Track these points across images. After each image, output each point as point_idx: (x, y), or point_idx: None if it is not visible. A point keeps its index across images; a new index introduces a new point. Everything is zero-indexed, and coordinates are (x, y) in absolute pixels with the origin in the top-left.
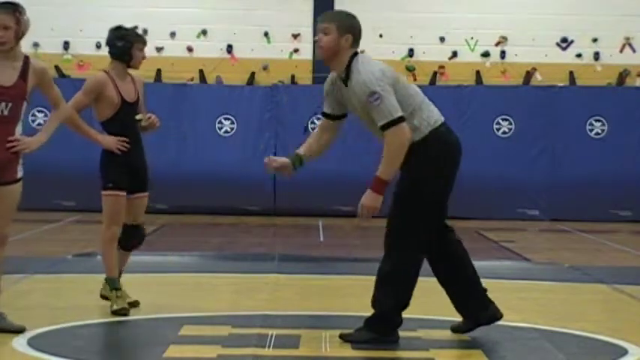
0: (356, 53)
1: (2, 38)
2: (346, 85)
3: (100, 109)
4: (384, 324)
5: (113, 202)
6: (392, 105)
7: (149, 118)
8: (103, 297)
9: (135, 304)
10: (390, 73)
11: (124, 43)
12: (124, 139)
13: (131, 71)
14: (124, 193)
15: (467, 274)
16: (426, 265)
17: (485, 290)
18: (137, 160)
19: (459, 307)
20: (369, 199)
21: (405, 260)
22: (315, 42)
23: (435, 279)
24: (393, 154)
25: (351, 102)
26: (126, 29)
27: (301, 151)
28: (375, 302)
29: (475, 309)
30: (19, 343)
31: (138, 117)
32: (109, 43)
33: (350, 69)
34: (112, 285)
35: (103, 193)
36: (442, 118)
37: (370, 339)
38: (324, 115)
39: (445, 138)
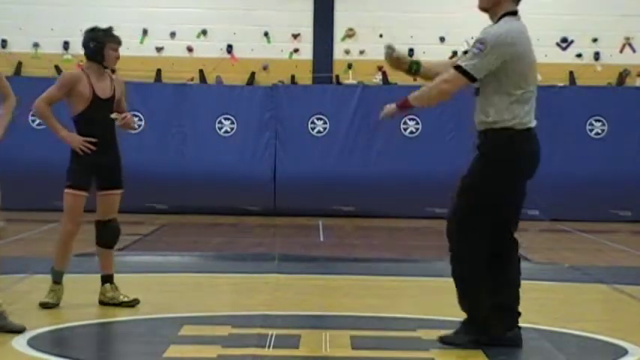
0: (514, 13)
1: None
2: None
3: (72, 104)
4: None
5: (71, 200)
6: (481, 65)
7: (124, 117)
8: (102, 302)
9: (133, 303)
10: (519, 47)
11: (96, 44)
12: (90, 139)
13: (115, 73)
14: (83, 193)
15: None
16: (425, 266)
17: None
18: (107, 158)
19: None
20: (389, 107)
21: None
22: None
23: (434, 279)
24: (433, 92)
25: None
26: (99, 30)
27: (423, 62)
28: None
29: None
30: (19, 343)
31: (113, 116)
32: (83, 44)
33: (498, 22)
34: (54, 277)
35: (65, 190)
36: (533, 124)
37: (466, 342)
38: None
39: (523, 143)
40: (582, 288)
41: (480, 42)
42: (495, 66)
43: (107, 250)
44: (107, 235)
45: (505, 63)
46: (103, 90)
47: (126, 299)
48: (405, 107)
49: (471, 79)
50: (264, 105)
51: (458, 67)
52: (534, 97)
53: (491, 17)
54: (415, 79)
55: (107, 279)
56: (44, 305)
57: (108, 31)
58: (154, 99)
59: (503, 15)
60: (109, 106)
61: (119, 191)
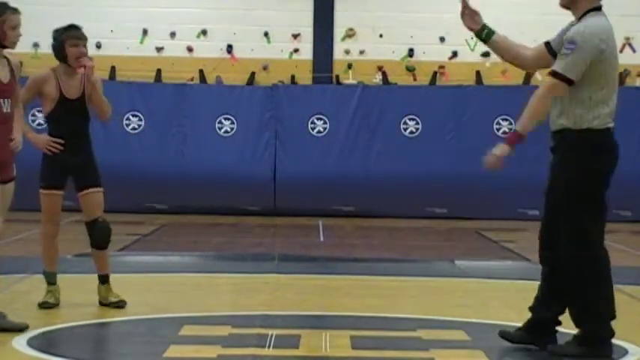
0: (598, 8)
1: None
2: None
3: (43, 104)
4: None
5: (46, 201)
6: (575, 65)
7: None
8: (103, 304)
9: (121, 305)
10: (609, 48)
11: (55, 43)
12: (57, 140)
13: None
14: (57, 192)
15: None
16: (425, 266)
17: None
18: (79, 158)
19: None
20: (499, 148)
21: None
22: None
23: (434, 279)
24: (536, 103)
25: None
26: (59, 29)
27: (497, 34)
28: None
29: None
30: (19, 343)
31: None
32: (52, 44)
33: (581, 20)
34: (47, 279)
35: (39, 192)
36: (612, 124)
37: (578, 354)
38: (546, 43)
39: (601, 142)
40: None
41: (570, 42)
42: (587, 64)
43: (100, 252)
44: (97, 236)
45: (592, 62)
46: (71, 90)
47: (113, 299)
48: (518, 139)
49: (569, 81)
50: (264, 105)
51: (555, 74)
52: (614, 97)
53: (574, 14)
54: (415, 79)
55: (101, 278)
56: (43, 305)
57: (68, 28)
58: (154, 99)
59: (588, 11)
60: (79, 105)
61: (97, 189)
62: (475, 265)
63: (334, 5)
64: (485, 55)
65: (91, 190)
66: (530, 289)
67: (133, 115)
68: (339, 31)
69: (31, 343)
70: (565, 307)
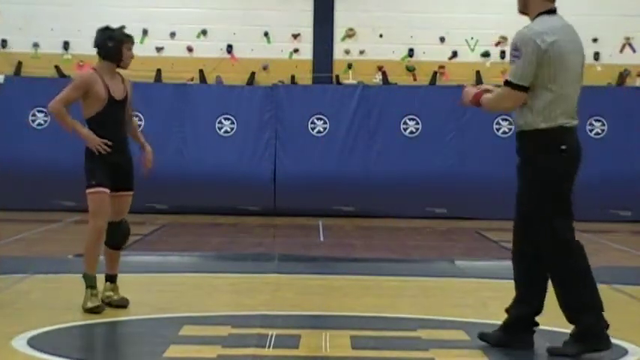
0: (551, 11)
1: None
2: None
3: (87, 105)
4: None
5: (97, 199)
6: (525, 71)
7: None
8: (106, 303)
9: (123, 304)
10: (554, 49)
11: (114, 44)
12: (107, 141)
13: (121, 71)
14: (108, 191)
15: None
16: (425, 266)
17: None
18: (120, 159)
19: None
20: (469, 90)
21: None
22: None
23: (434, 279)
24: (494, 105)
25: None
26: (115, 29)
27: None
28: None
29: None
30: (19, 343)
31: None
32: (98, 44)
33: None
34: (88, 282)
35: (88, 191)
36: (574, 124)
37: (578, 352)
38: None
39: (553, 141)
40: None
41: (514, 49)
42: (535, 66)
43: (115, 252)
44: (118, 236)
45: (539, 63)
46: (117, 91)
47: (116, 297)
48: (477, 101)
49: (522, 89)
50: (264, 105)
51: (508, 83)
52: (571, 97)
53: (530, 19)
54: (415, 79)
55: (110, 278)
56: (92, 310)
57: (123, 30)
58: (154, 99)
59: (540, 14)
60: (123, 107)
61: (131, 193)
62: (475, 265)
63: (334, 5)
64: (485, 55)
65: (126, 192)
66: None
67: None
68: (339, 31)
69: (31, 343)
70: (543, 304)
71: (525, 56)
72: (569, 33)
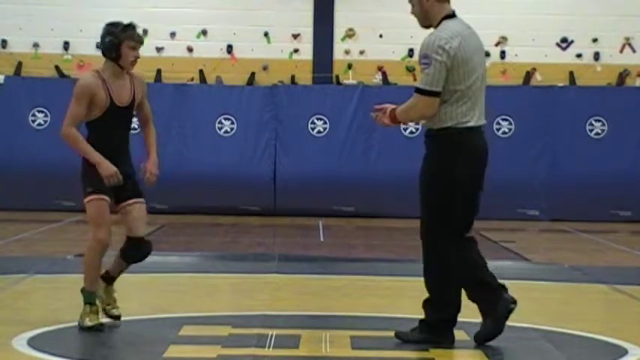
0: (450, 16)
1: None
2: None
3: (88, 109)
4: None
5: (96, 207)
6: (435, 77)
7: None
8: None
9: (117, 317)
10: (460, 52)
11: (112, 39)
12: (120, 176)
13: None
14: (107, 198)
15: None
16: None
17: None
18: (122, 168)
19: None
20: (387, 108)
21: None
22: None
23: None
24: (409, 114)
25: None
26: (117, 24)
27: None
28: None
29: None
30: (19, 343)
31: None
32: (100, 38)
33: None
34: (87, 299)
35: (85, 200)
36: (479, 123)
37: (422, 340)
38: None
39: (464, 141)
40: (582, 288)
41: (423, 56)
42: (446, 71)
43: (127, 264)
44: (137, 257)
45: (448, 68)
46: (121, 96)
47: (115, 311)
48: (394, 119)
49: (436, 94)
50: (264, 105)
51: (420, 91)
52: (476, 96)
53: (434, 27)
54: (415, 79)
55: (108, 280)
56: (92, 328)
57: (128, 27)
58: (154, 99)
59: (442, 20)
60: (127, 112)
61: (142, 200)
62: None
63: (334, 5)
64: (485, 55)
65: (136, 200)
66: (530, 288)
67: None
68: (339, 32)
69: (31, 343)
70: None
71: (435, 63)
72: (471, 35)
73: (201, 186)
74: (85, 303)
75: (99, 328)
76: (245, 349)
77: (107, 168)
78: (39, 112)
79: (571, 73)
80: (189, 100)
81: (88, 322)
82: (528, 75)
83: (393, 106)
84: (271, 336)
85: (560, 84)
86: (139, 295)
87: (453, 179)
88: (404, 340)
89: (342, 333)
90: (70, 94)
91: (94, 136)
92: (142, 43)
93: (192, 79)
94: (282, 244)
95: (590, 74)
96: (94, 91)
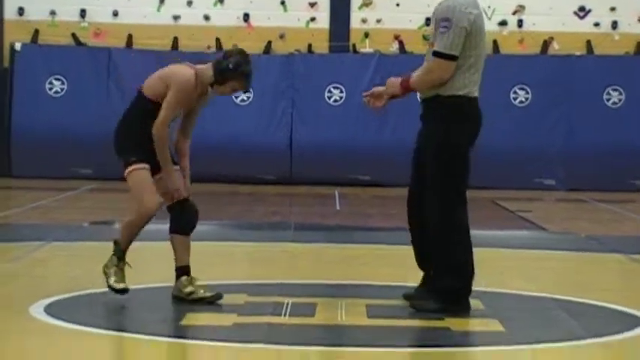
0: None
1: None
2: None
3: (162, 93)
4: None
5: (142, 175)
6: (455, 41)
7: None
8: (176, 298)
9: (214, 299)
10: (478, 19)
11: (230, 69)
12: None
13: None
14: (149, 167)
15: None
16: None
17: None
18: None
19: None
20: (393, 81)
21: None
22: None
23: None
24: (425, 80)
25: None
26: (247, 59)
27: None
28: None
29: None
30: (37, 310)
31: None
32: (224, 56)
33: None
34: (118, 253)
35: (129, 169)
36: (475, 94)
37: (438, 309)
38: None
39: (464, 109)
40: (598, 258)
41: (444, 19)
42: (464, 36)
43: (182, 237)
44: (182, 219)
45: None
46: (196, 107)
47: (207, 294)
48: (407, 86)
49: (454, 58)
50: (280, 74)
51: (439, 54)
52: (478, 66)
53: None
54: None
55: (183, 271)
56: (117, 291)
57: (249, 74)
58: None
59: None
60: (189, 115)
61: (177, 167)
62: (491, 234)
63: None
64: (503, 24)
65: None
66: (547, 258)
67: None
68: (356, 0)
69: (48, 310)
70: None
71: (455, 27)
72: (480, 7)
73: (218, 155)
74: (114, 255)
75: (121, 292)
76: (261, 317)
77: (176, 182)
78: (56, 79)
79: (588, 42)
80: None
81: (114, 283)
82: (546, 44)
83: (382, 89)
84: (287, 304)
85: (578, 53)
86: (155, 262)
87: (459, 147)
88: (418, 309)
89: (357, 301)
90: (88, 61)
91: (150, 118)
92: (246, 89)
93: (208, 48)
94: (299, 212)
95: (608, 43)
96: (190, 90)
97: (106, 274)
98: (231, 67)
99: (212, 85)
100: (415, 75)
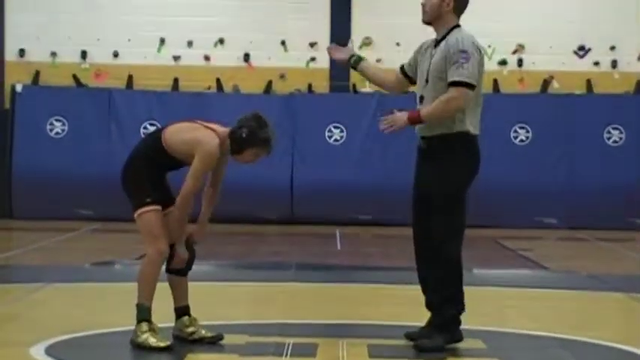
0: (459, 26)
1: None
2: (435, 47)
3: (187, 156)
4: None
5: (154, 217)
6: (474, 72)
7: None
8: (177, 338)
9: (215, 340)
10: (483, 55)
11: (248, 135)
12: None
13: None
14: (161, 208)
15: None
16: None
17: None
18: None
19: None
20: (399, 116)
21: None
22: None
23: None
24: (445, 109)
25: (424, 65)
26: (264, 127)
27: (366, 60)
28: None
29: None
30: (37, 352)
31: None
32: (241, 122)
33: (449, 34)
34: (144, 315)
35: (142, 210)
36: (477, 132)
37: (445, 343)
38: (401, 67)
39: (471, 146)
40: (599, 296)
41: (462, 51)
42: (478, 68)
43: (179, 278)
44: (190, 259)
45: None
46: (217, 172)
47: (209, 334)
48: (417, 119)
49: (474, 87)
50: (281, 113)
51: (459, 83)
52: (479, 106)
53: (438, 30)
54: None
55: (183, 311)
56: (160, 350)
57: (268, 141)
58: (172, 108)
59: (453, 28)
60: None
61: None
62: (493, 273)
63: (351, 14)
64: (503, 63)
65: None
66: (549, 297)
67: (151, 124)
68: (355, 40)
69: (49, 351)
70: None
71: (473, 58)
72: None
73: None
74: (140, 320)
75: (167, 349)
76: (262, 357)
77: (185, 253)
78: (57, 120)
79: (588, 81)
80: (207, 109)
81: (152, 342)
82: (546, 83)
83: (401, 113)
84: (288, 344)
85: (578, 92)
86: (155, 303)
87: (465, 185)
88: (421, 349)
89: (359, 341)
90: (88, 103)
91: (164, 166)
92: (267, 154)
93: (209, 88)
94: (299, 252)
95: (608, 82)
96: (216, 159)
97: (142, 344)
98: (245, 136)
99: (232, 154)
100: (433, 105)
